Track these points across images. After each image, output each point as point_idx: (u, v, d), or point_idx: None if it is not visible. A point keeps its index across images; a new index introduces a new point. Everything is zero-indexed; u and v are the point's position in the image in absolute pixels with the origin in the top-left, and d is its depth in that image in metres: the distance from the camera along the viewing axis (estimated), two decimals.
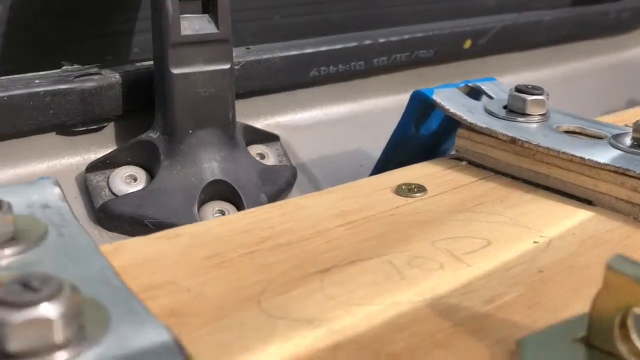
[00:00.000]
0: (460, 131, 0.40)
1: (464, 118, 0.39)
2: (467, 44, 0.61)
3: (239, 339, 0.22)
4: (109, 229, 0.42)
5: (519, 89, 0.39)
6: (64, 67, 0.44)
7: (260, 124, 0.52)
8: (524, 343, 0.21)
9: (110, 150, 0.45)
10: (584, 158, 0.34)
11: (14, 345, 0.16)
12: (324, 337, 0.22)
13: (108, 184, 0.42)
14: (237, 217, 0.33)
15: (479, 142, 0.39)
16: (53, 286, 0.17)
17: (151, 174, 0.43)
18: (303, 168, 0.52)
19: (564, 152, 0.35)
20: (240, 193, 0.43)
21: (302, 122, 0.53)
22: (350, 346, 0.21)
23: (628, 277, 0.19)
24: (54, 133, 0.44)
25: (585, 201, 0.34)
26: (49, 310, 0.17)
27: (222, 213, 0.43)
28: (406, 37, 0.56)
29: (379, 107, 0.57)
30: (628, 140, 0.36)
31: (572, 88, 0.69)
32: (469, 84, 0.44)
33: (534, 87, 0.40)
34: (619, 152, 0.35)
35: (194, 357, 0.19)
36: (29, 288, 0.17)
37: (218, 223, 0.32)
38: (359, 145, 0.55)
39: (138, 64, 0.45)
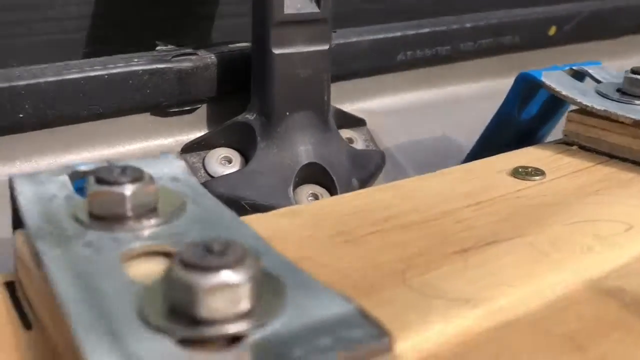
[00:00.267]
0: (570, 115, 0.38)
1: (578, 101, 0.37)
2: (552, 30, 0.59)
3: (397, 317, 0.21)
4: None
5: (635, 71, 0.38)
6: (159, 48, 0.44)
7: (345, 108, 0.51)
8: None
9: (201, 132, 0.45)
10: None
11: (204, 310, 0.16)
12: (485, 318, 0.21)
13: (204, 165, 0.42)
14: (351, 196, 0.32)
15: (592, 125, 0.37)
16: (237, 251, 0.17)
17: (245, 155, 0.43)
18: (387, 153, 0.51)
19: None
20: (333, 177, 0.42)
21: (386, 107, 0.52)
22: (517, 327, 0.20)
23: None
24: (149, 113, 0.43)
25: None
26: (238, 275, 0.16)
27: (315, 197, 0.42)
28: (493, 21, 0.55)
29: (463, 93, 0.55)
30: None
31: None
32: (574, 68, 0.42)
33: None
34: None
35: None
36: (212, 253, 0.17)
37: (333, 202, 0.31)
38: (443, 131, 0.53)
39: (232, 45, 0.45)
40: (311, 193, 0.42)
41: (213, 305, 0.16)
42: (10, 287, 0.24)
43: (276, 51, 0.40)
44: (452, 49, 0.53)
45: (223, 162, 0.42)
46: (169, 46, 0.45)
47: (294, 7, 0.40)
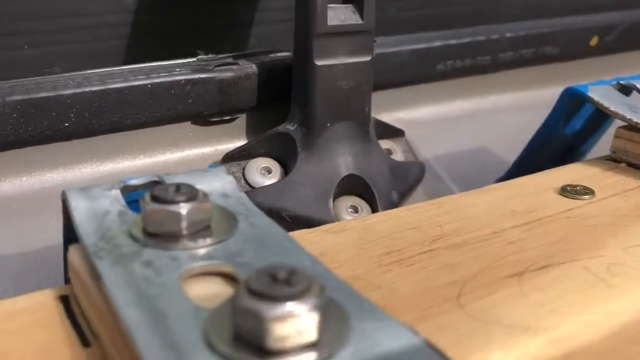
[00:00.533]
0: (619, 131, 0.38)
1: (628, 117, 0.36)
2: (594, 40, 0.58)
3: (457, 344, 0.20)
4: None
5: None
6: (199, 57, 0.44)
7: (383, 118, 0.51)
8: None
9: (240, 142, 0.45)
10: None
11: (272, 340, 0.16)
12: (547, 347, 0.20)
13: (244, 175, 0.42)
14: (398, 213, 0.32)
15: None
16: (304, 280, 0.16)
17: (285, 166, 0.43)
18: (425, 165, 0.50)
19: None
20: (373, 189, 0.42)
21: (424, 117, 0.52)
22: (583, 357, 0.20)
23: None
24: (190, 122, 0.44)
25: None
26: (306, 305, 0.16)
27: (355, 209, 0.42)
28: (533, 32, 0.54)
29: (503, 104, 0.55)
30: None
31: None
32: (621, 82, 0.41)
33: None
34: None
35: None
36: (278, 281, 0.16)
37: (382, 219, 0.31)
38: (482, 142, 0.53)
39: (272, 55, 0.45)
40: (351, 205, 0.42)
41: (281, 335, 0.16)
42: (64, 301, 0.24)
43: (319, 62, 0.40)
44: (492, 59, 0.52)
45: (263, 172, 0.42)
46: (210, 55, 0.45)
47: (338, 18, 0.40)
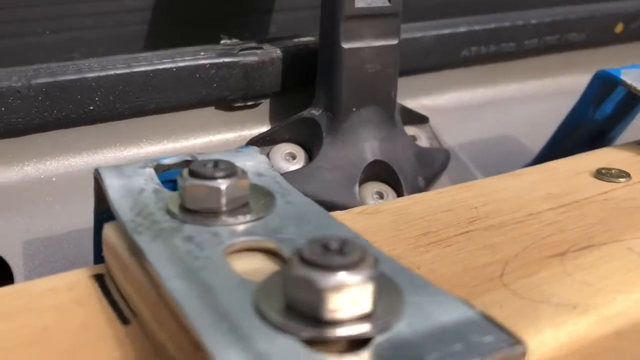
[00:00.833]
0: None
1: None
2: (619, 27, 0.57)
3: (504, 322, 0.20)
4: None
5: None
6: (223, 42, 0.44)
7: (406, 105, 0.50)
8: None
9: (264, 127, 0.45)
10: None
11: (327, 310, 0.15)
12: (598, 324, 0.20)
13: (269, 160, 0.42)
14: (429, 196, 0.31)
15: None
16: (357, 250, 0.16)
17: (309, 151, 0.42)
18: (450, 151, 0.50)
19: None
20: (399, 175, 0.41)
21: (448, 104, 0.51)
22: (636, 335, 0.19)
23: None
24: (213, 107, 0.43)
25: None
26: (360, 275, 0.15)
27: (380, 195, 0.42)
28: (558, 18, 0.53)
29: (527, 90, 0.54)
30: None
31: None
32: None
33: None
34: None
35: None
36: (331, 251, 0.16)
37: (415, 201, 0.30)
38: (506, 128, 0.52)
39: (296, 40, 0.44)
40: (376, 191, 0.42)
41: (336, 306, 0.15)
42: (99, 279, 0.24)
43: (345, 46, 0.39)
44: (517, 46, 0.52)
45: (287, 158, 0.42)
46: (233, 40, 0.44)
47: (365, 1, 0.39)
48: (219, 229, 0.21)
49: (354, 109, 0.41)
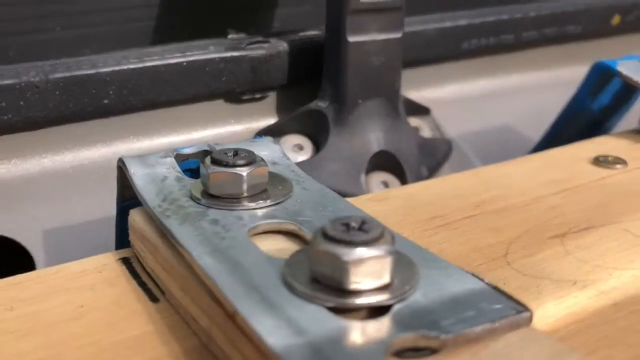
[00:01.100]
0: None
1: None
2: (616, 19, 0.58)
3: None
4: None
5: None
6: (230, 36, 0.45)
7: (408, 96, 0.51)
8: None
9: (271, 119, 0.46)
10: None
11: (350, 282, 0.17)
12: (596, 297, 0.21)
13: None
14: (436, 182, 0.33)
15: None
16: (376, 228, 0.17)
17: (316, 142, 0.44)
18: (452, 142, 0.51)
19: None
20: (404, 165, 0.43)
21: (449, 96, 0.53)
22: (633, 306, 0.21)
23: None
24: (222, 100, 0.45)
25: None
26: (380, 249, 0.17)
27: (386, 184, 0.43)
28: (556, 10, 0.55)
29: (526, 82, 0.55)
30: None
31: None
32: None
33: None
34: None
35: None
36: (353, 229, 0.17)
37: (422, 187, 0.32)
38: (506, 120, 0.54)
39: (302, 33, 0.45)
40: (382, 181, 0.43)
41: (359, 277, 0.17)
42: (126, 262, 0.25)
43: (351, 39, 0.41)
44: (515, 38, 0.53)
45: (295, 149, 0.43)
46: (240, 34, 0.46)
47: None
48: (241, 212, 0.22)
49: (359, 101, 0.42)
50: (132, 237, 0.25)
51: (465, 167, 0.51)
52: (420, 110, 0.49)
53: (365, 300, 0.16)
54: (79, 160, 0.41)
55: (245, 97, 0.45)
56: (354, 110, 0.42)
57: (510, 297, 0.17)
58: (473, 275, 0.18)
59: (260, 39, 0.44)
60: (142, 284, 0.23)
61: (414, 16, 0.50)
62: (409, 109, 0.48)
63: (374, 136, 0.43)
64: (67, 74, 0.39)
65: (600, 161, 0.34)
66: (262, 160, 0.24)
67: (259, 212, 0.23)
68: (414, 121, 0.48)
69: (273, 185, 0.25)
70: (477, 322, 0.16)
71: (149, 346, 0.19)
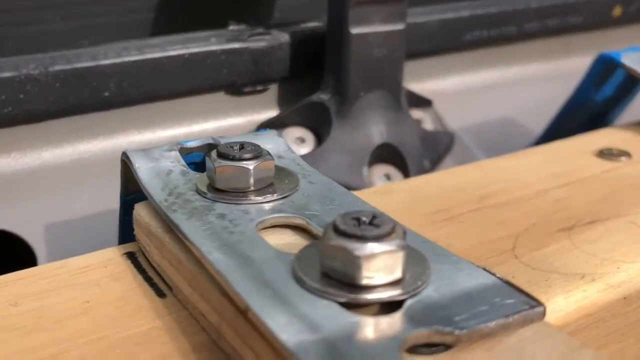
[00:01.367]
0: None
1: None
2: (617, 11, 0.58)
3: None
4: None
5: None
6: (231, 27, 0.45)
7: (410, 88, 0.51)
8: None
9: (272, 112, 0.46)
10: None
11: (362, 277, 0.16)
12: (605, 291, 0.21)
13: None
14: (439, 175, 0.33)
15: None
16: (387, 223, 0.17)
17: (318, 135, 0.43)
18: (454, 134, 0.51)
19: None
20: (406, 158, 0.43)
21: (451, 87, 0.52)
22: None
23: None
24: (223, 92, 0.44)
25: None
26: (392, 244, 0.17)
27: (388, 177, 0.43)
28: (558, 2, 0.54)
29: (528, 74, 0.55)
30: None
31: None
32: None
33: None
34: None
35: None
36: (364, 224, 0.17)
37: (425, 181, 0.32)
38: (508, 111, 0.53)
39: (303, 25, 0.45)
40: (384, 173, 0.43)
41: (371, 272, 0.16)
42: (131, 257, 0.25)
43: (353, 31, 0.40)
44: (518, 30, 0.53)
45: (297, 141, 0.43)
46: (241, 26, 0.45)
47: None
48: (248, 207, 0.22)
49: (362, 93, 0.42)
50: (138, 232, 0.25)
51: (467, 159, 0.51)
52: (422, 102, 0.49)
53: (378, 295, 0.16)
54: (80, 153, 0.41)
55: (246, 90, 0.45)
56: (356, 103, 0.42)
57: (522, 292, 0.17)
58: (484, 269, 0.18)
59: (261, 30, 0.44)
60: (148, 279, 0.23)
61: (416, 7, 0.50)
62: (411, 101, 0.48)
63: (376, 129, 0.42)
64: (67, 67, 0.38)
65: (604, 154, 0.34)
66: (269, 153, 0.24)
67: (266, 206, 0.23)
68: (416, 113, 0.48)
69: (279, 179, 0.25)
70: (491, 317, 0.16)
71: (158, 342, 0.19)
